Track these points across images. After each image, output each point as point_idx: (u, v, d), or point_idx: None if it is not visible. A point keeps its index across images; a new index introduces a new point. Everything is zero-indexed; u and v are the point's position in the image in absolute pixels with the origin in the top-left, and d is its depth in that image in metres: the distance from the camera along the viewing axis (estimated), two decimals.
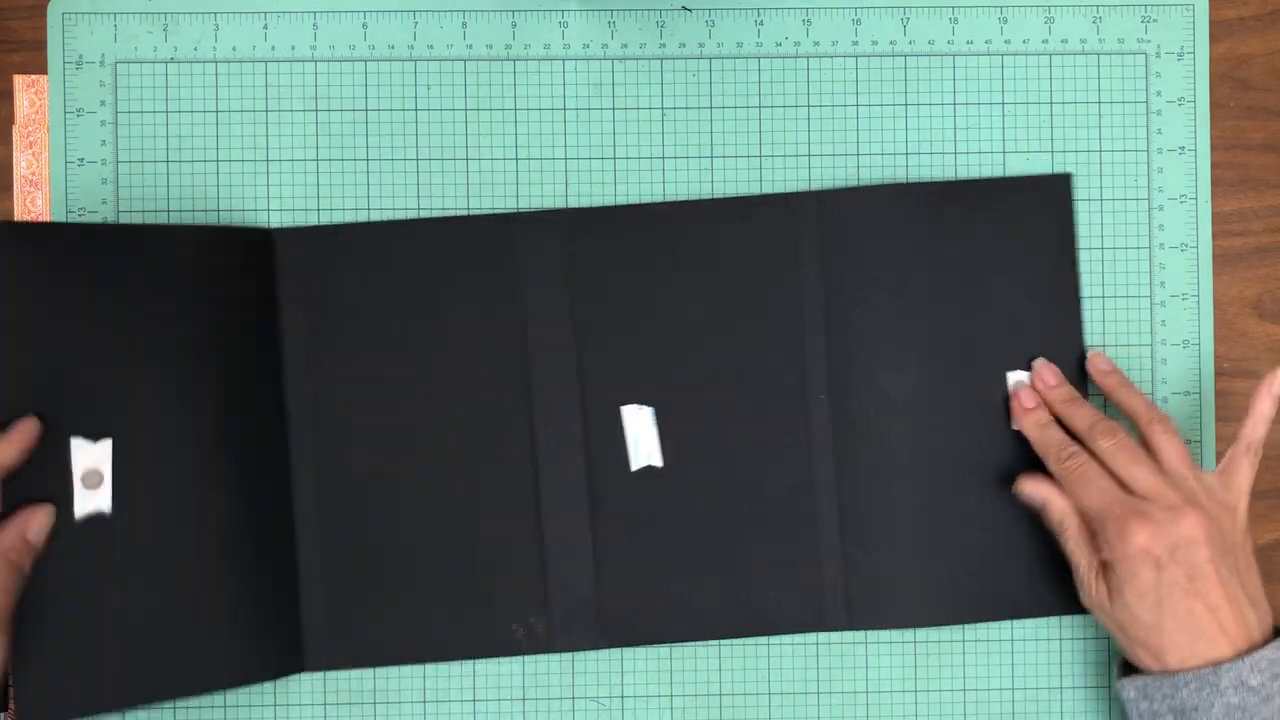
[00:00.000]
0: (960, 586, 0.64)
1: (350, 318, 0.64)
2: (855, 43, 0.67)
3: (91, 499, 0.59)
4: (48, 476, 0.58)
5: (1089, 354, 0.65)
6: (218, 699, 0.64)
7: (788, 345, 0.65)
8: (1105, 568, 0.59)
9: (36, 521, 0.58)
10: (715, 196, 0.66)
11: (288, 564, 0.64)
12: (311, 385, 0.64)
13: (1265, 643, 0.58)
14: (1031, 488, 0.63)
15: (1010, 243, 0.65)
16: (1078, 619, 0.66)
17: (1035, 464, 0.63)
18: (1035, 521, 0.64)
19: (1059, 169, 0.66)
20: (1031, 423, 0.63)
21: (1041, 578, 0.65)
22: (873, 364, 0.65)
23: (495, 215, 0.65)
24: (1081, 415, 0.62)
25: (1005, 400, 0.65)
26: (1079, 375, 0.65)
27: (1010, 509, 0.64)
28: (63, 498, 0.58)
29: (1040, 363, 0.64)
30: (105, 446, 0.59)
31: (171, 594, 0.60)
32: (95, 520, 0.59)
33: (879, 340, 0.65)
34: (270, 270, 0.64)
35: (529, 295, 0.65)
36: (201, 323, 0.62)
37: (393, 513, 0.64)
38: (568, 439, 0.64)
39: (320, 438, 0.64)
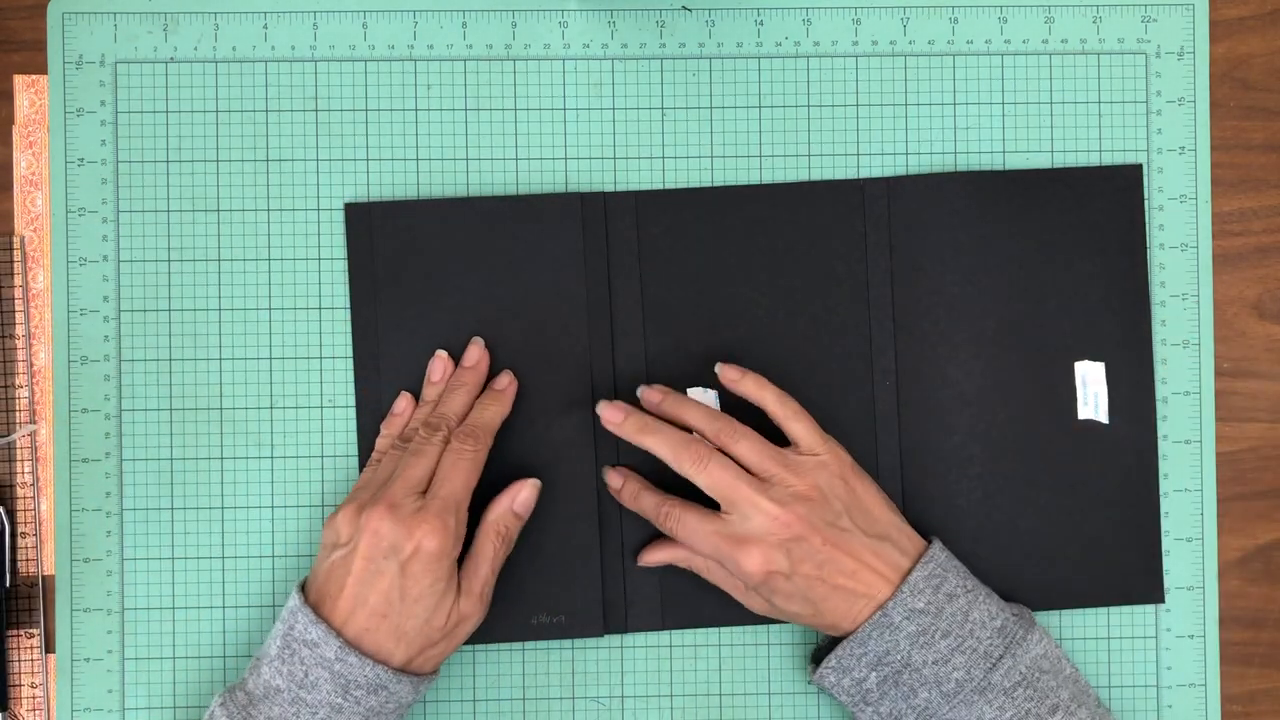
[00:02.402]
0: (1021, 576, 0.65)
1: (415, 292, 0.65)
2: (855, 43, 0.67)
3: None
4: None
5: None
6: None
7: (855, 331, 0.65)
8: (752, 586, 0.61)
9: (524, 494, 0.62)
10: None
11: None
12: (376, 356, 0.65)
13: (914, 565, 0.60)
14: (653, 556, 0.64)
15: (1080, 233, 0.65)
16: (1079, 617, 0.66)
17: (1103, 456, 0.64)
18: (1096, 513, 0.65)
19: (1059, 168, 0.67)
20: (627, 497, 0.63)
21: (1105, 567, 0.65)
22: (941, 352, 0.65)
23: (572, 194, 0.65)
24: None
25: (1072, 390, 0.65)
26: (1149, 365, 0.66)
27: (1073, 500, 0.65)
28: None
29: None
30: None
31: None
32: None
33: (948, 328, 0.65)
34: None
35: (596, 275, 0.65)
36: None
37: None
38: None
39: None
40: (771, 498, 0.59)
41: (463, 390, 0.63)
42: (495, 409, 0.63)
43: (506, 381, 0.64)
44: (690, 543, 0.61)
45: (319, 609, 0.58)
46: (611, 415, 0.62)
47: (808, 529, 0.58)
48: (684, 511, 0.61)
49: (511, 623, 0.64)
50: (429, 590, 0.58)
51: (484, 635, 0.64)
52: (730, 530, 0.59)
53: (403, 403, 0.64)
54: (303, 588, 0.60)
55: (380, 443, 0.64)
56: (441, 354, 0.64)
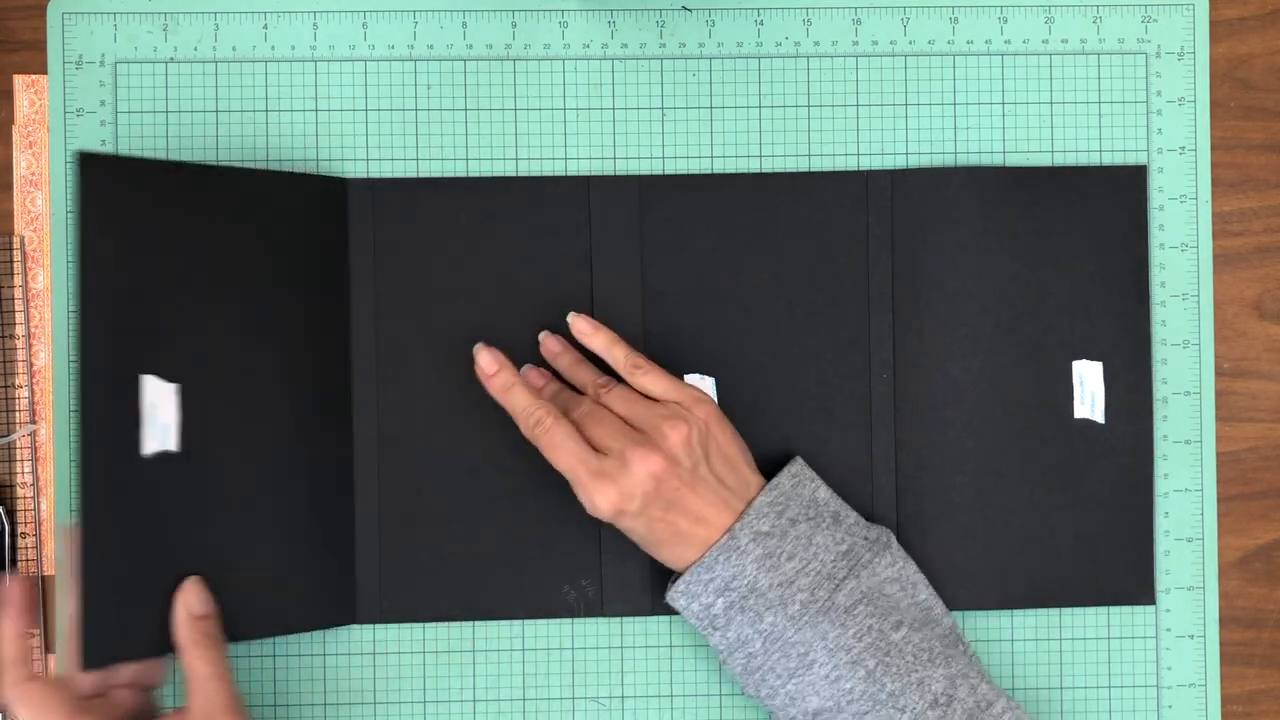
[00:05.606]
0: (1015, 573, 0.65)
1: (418, 271, 0.65)
2: (855, 43, 0.67)
3: (159, 437, 0.59)
4: (120, 412, 0.57)
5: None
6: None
7: (853, 322, 0.65)
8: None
9: (190, 596, 0.58)
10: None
11: (346, 514, 0.64)
12: (375, 336, 0.65)
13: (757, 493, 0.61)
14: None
15: (1082, 232, 0.65)
16: (1079, 617, 0.66)
17: (1098, 455, 0.65)
18: (1089, 513, 0.65)
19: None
20: (498, 387, 0.62)
21: (1096, 566, 0.65)
22: (940, 347, 0.65)
23: (570, 177, 0.65)
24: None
25: (1069, 389, 0.65)
26: (1147, 366, 0.66)
27: (1065, 498, 0.65)
28: (131, 433, 0.57)
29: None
30: (172, 389, 0.59)
31: (233, 538, 0.61)
32: (163, 458, 0.58)
33: (947, 323, 0.65)
34: (343, 218, 0.65)
35: (598, 259, 0.65)
36: (275, 266, 0.62)
37: (450, 468, 0.65)
38: None
39: (382, 390, 0.65)
40: (645, 445, 0.59)
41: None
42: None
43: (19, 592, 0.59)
44: (552, 457, 0.60)
45: None
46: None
47: (663, 471, 0.59)
48: (556, 424, 0.60)
49: (539, 597, 0.64)
50: None
51: (504, 610, 0.65)
52: (599, 465, 0.59)
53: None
54: None
55: None
56: None
